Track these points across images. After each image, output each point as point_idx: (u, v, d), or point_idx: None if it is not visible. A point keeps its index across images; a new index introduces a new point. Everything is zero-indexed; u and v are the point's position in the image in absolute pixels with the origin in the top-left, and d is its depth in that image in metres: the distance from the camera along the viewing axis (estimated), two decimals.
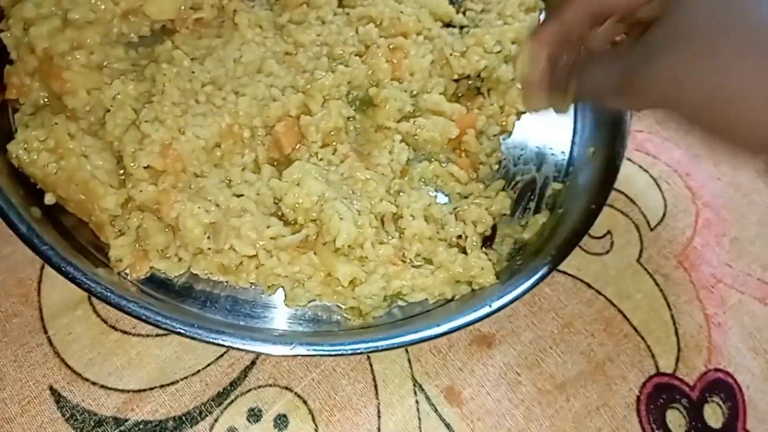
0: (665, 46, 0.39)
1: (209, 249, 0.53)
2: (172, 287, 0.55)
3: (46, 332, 0.53)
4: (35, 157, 0.52)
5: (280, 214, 0.56)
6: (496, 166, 0.65)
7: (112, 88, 0.55)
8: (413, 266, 0.58)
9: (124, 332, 0.54)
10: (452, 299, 0.58)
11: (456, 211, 0.60)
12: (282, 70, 0.60)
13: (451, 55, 0.64)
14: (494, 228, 0.61)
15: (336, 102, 0.59)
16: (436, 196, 0.61)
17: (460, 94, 0.66)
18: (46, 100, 0.57)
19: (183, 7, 0.62)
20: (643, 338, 0.58)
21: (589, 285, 0.60)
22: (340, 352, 0.50)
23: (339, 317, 0.56)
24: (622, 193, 0.64)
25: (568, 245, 0.58)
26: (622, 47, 0.49)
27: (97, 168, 0.53)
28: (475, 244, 0.59)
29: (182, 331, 0.48)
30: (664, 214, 0.64)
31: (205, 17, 0.62)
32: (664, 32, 0.40)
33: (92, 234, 0.55)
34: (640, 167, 0.66)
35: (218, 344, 0.49)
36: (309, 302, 0.56)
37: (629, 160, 0.66)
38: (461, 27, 0.67)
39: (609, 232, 0.63)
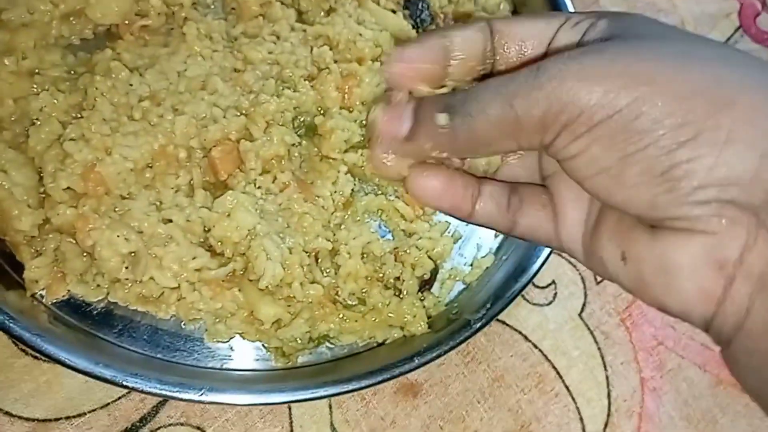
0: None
1: (127, 279, 0.51)
2: (89, 313, 0.53)
3: None
4: None
5: (208, 244, 0.54)
6: None
7: (39, 99, 0.53)
8: (345, 306, 0.56)
9: (35, 357, 0.52)
10: (383, 343, 0.56)
11: (396, 251, 0.58)
12: (227, 88, 0.57)
13: None
14: (434, 271, 0.59)
15: (280, 128, 0.57)
16: (377, 234, 0.58)
17: None
18: None
19: (129, 13, 0.58)
20: (573, 399, 0.56)
21: (526, 337, 0.58)
22: (254, 402, 0.48)
23: (262, 354, 0.55)
24: None
25: (508, 296, 0.56)
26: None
27: (16, 185, 0.50)
28: (411, 288, 0.57)
29: (84, 370, 0.46)
30: None
31: (151, 24, 0.59)
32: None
33: (9, 249, 0.53)
34: None
35: (122, 386, 0.47)
36: (230, 339, 0.54)
37: None
38: None
39: (554, 282, 0.61)
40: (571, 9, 0.66)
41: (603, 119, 0.28)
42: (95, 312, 0.53)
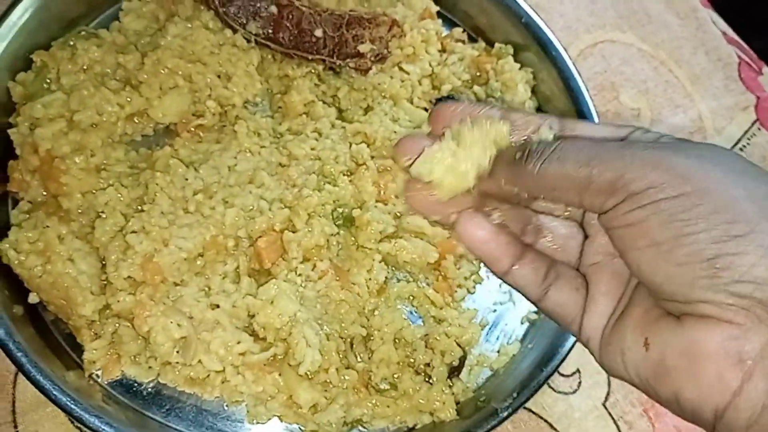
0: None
1: (177, 362, 0.55)
2: (139, 392, 0.57)
3: (15, 426, 0.55)
4: (24, 258, 0.55)
5: (251, 329, 0.58)
6: (474, 290, 0.66)
7: (105, 194, 0.58)
8: (377, 390, 0.59)
9: None
10: (413, 428, 0.59)
11: (427, 337, 0.61)
12: (273, 182, 0.62)
13: None
14: (463, 357, 0.62)
15: (320, 220, 0.61)
16: (409, 320, 0.62)
17: None
18: (44, 196, 0.59)
19: (186, 113, 0.64)
20: None
21: (551, 425, 0.60)
22: None
23: None
24: None
25: (535, 384, 0.58)
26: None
27: (81, 273, 0.55)
28: (440, 374, 0.60)
29: None
30: None
31: (206, 123, 0.65)
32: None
33: (70, 330, 0.57)
34: None
35: None
36: (269, 420, 0.57)
37: None
38: None
39: (578, 370, 0.63)
40: (591, 106, 0.70)
41: (667, 197, 0.32)
42: (145, 392, 0.57)
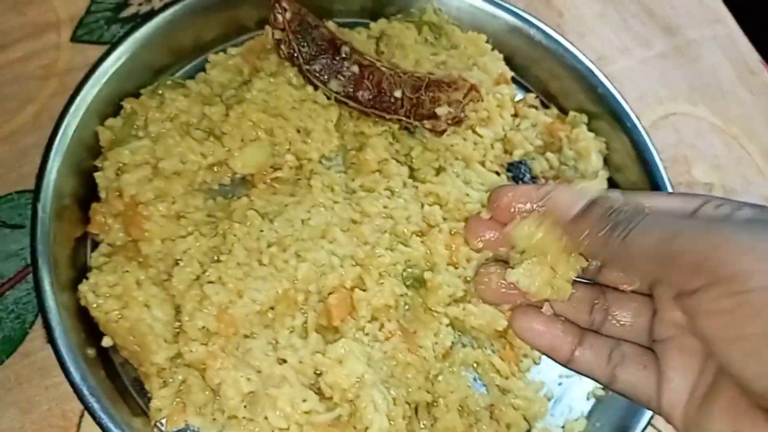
0: None
1: (244, 417, 0.55)
2: None
3: None
4: (102, 302, 0.55)
5: (317, 387, 0.57)
6: (539, 361, 0.64)
7: (186, 241, 0.59)
8: None
9: None
10: None
11: (491, 408, 0.60)
12: (345, 238, 0.63)
13: None
14: (528, 430, 0.60)
15: (391, 280, 0.61)
16: (473, 389, 0.61)
17: None
18: (123, 240, 0.60)
19: (264, 165, 0.65)
20: None
21: None
22: None
23: None
24: None
25: None
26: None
27: (156, 320, 0.56)
28: None
29: None
30: None
31: (283, 176, 0.66)
32: None
33: (137, 375, 0.58)
34: None
35: None
36: None
37: None
38: None
39: None
40: (665, 178, 0.69)
41: (760, 287, 0.29)
42: None
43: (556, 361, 0.41)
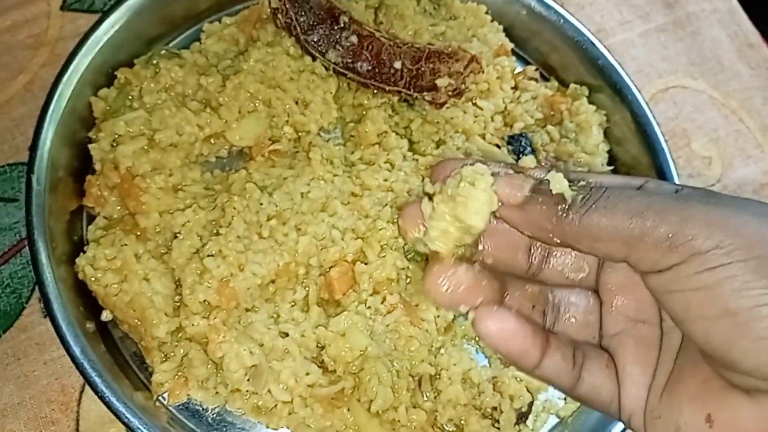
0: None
1: (247, 390, 0.54)
2: (204, 418, 0.56)
3: None
4: (100, 275, 0.54)
5: (320, 360, 0.57)
6: None
7: (184, 214, 0.58)
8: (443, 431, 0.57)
9: None
10: None
11: (494, 380, 0.60)
12: (345, 211, 0.62)
13: None
14: (530, 403, 0.60)
15: (393, 253, 0.61)
16: (476, 362, 0.61)
17: None
18: (120, 213, 0.59)
19: (262, 137, 0.64)
20: None
21: None
22: None
23: None
24: None
25: None
26: None
27: (156, 293, 0.55)
28: (508, 419, 0.58)
29: None
30: None
31: (281, 148, 0.65)
32: None
33: (138, 350, 0.57)
34: None
35: None
36: None
37: None
38: None
39: None
40: (666, 150, 0.69)
41: (739, 261, 0.28)
42: (210, 418, 0.56)
43: (520, 369, 0.37)
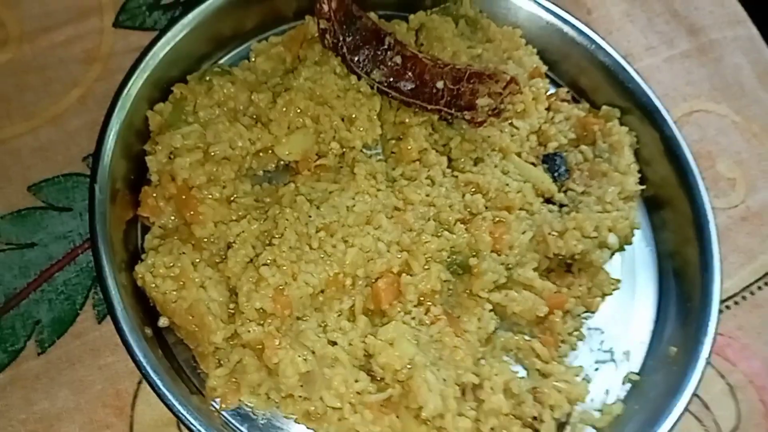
0: None
1: (300, 396, 0.56)
2: (255, 423, 0.58)
3: None
4: (159, 282, 0.56)
5: (368, 369, 0.59)
6: (576, 347, 0.66)
7: (238, 225, 0.60)
8: None
9: None
10: None
11: (534, 391, 0.61)
12: (390, 225, 0.64)
13: (549, 234, 0.66)
14: (568, 414, 0.62)
15: (437, 265, 0.63)
16: (517, 372, 0.62)
17: (550, 269, 0.69)
18: (174, 223, 0.61)
19: (309, 152, 0.67)
20: None
21: None
22: None
23: None
24: (698, 396, 0.65)
25: None
26: None
27: (213, 301, 0.57)
28: (549, 429, 0.60)
29: None
30: (736, 426, 0.64)
31: (327, 163, 0.67)
32: None
33: (190, 356, 0.59)
34: (718, 372, 0.67)
35: None
36: None
37: (708, 363, 0.67)
38: (561, 205, 0.71)
39: None
40: (695, 170, 0.71)
41: None
42: (260, 424, 0.57)
43: None
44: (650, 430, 0.59)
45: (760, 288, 0.71)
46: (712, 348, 0.62)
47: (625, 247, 0.72)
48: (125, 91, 0.62)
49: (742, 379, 0.67)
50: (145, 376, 0.53)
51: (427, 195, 0.66)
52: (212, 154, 0.62)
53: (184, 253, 0.58)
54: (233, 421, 0.57)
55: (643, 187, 0.73)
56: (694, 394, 0.63)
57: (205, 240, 0.60)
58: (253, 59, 0.70)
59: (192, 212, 0.59)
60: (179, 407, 0.52)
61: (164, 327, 0.58)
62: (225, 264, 0.58)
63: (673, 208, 0.73)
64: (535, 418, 0.61)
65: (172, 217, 0.61)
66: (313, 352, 0.57)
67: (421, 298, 0.62)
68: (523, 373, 0.64)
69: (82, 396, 0.57)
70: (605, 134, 0.74)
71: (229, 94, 0.66)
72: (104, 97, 0.64)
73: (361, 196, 0.65)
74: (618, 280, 0.69)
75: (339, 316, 0.61)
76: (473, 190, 0.68)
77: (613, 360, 0.67)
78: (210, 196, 0.60)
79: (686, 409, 0.59)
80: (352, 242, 0.62)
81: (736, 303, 0.71)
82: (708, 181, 0.78)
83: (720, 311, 0.65)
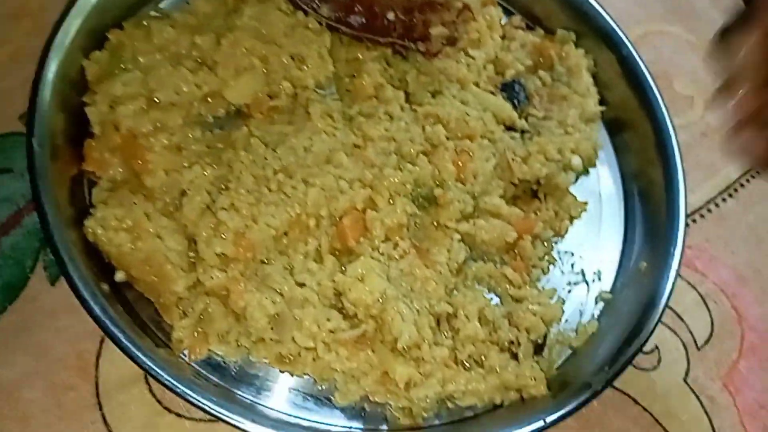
0: None
1: (271, 339, 0.54)
2: (227, 371, 0.56)
3: (101, 408, 0.54)
4: (112, 235, 0.53)
5: (339, 307, 0.57)
6: (548, 270, 0.66)
7: (191, 171, 0.57)
8: (465, 369, 0.58)
9: (178, 415, 0.54)
10: (501, 405, 0.58)
11: (510, 315, 0.61)
12: (350, 162, 0.62)
13: (513, 160, 0.65)
14: (544, 336, 0.62)
15: (401, 199, 0.61)
16: (491, 299, 0.62)
17: (517, 196, 0.68)
18: (123, 176, 0.58)
19: (260, 94, 0.64)
20: None
21: (636, 401, 0.60)
22: None
23: (387, 414, 0.57)
24: (671, 308, 0.65)
25: (622, 362, 0.58)
26: None
27: (170, 250, 0.54)
28: (527, 351, 0.60)
29: (234, 422, 0.49)
30: (711, 334, 0.65)
31: (279, 104, 0.65)
32: None
33: (153, 311, 0.56)
34: (689, 283, 0.67)
35: None
36: (360, 397, 0.56)
37: (678, 275, 0.67)
38: (522, 131, 0.70)
39: (657, 347, 0.64)
40: (655, 89, 0.71)
41: None
42: (232, 371, 0.56)
43: None
44: (626, 344, 0.59)
45: (724, 200, 0.72)
46: (681, 260, 0.62)
47: (590, 170, 0.71)
48: (56, 42, 0.58)
49: (713, 288, 0.67)
50: (106, 332, 0.50)
51: (387, 130, 0.65)
52: (156, 100, 0.59)
53: (135, 203, 0.55)
54: (204, 372, 0.55)
55: (604, 108, 0.72)
56: (667, 306, 0.64)
57: (157, 189, 0.57)
58: (192, 2, 0.67)
59: (140, 162, 0.57)
60: (146, 360, 0.50)
61: (122, 282, 0.55)
62: (180, 212, 0.56)
63: (634, 129, 0.73)
64: (512, 342, 0.60)
65: (120, 169, 0.58)
66: (282, 295, 0.55)
67: (388, 233, 0.61)
68: (497, 300, 0.63)
69: (41, 360, 0.55)
70: (562, 58, 0.73)
71: (169, 38, 0.62)
72: (37, 53, 0.60)
73: (318, 136, 0.63)
74: (585, 203, 0.69)
75: (306, 257, 0.59)
76: (433, 122, 0.66)
77: (585, 281, 0.66)
78: (158, 144, 0.57)
79: (660, 321, 0.60)
80: (313, 182, 0.60)
81: (701, 216, 0.71)
82: (666, 101, 0.78)
83: (687, 225, 0.66)
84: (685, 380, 0.62)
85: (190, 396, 0.49)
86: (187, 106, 0.61)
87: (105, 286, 0.54)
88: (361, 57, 0.68)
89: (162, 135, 0.58)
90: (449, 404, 0.58)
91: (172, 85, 0.60)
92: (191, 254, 0.56)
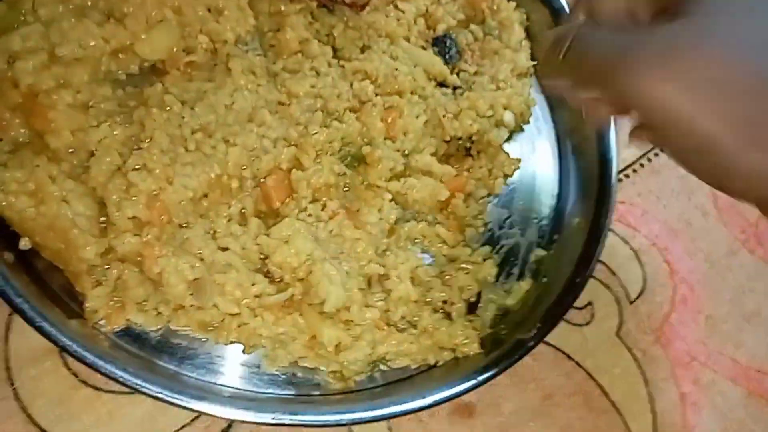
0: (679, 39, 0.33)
1: (191, 306, 0.51)
2: (147, 341, 0.53)
3: (12, 384, 0.50)
4: (13, 200, 0.50)
5: (265, 270, 0.55)
6: (482, 229, 0.65)
7: (98, 131, 0.53)
8: (397, 330, 0.57)
9: (95, 388, 0.51)
10: (435, 365, 0.57)
11: (442, 275, 0.60)
12: (275, 120, 0.59)
13: (444, 116, 0.64)
14: (478, 294, 0.61)
15: (328, 158, 0.59)
16: (422, 259, 0.60)
17: (449, 155, 0.66)
18: (26, 137, 0.54)
19: (175, 49, 0.60)
20: (621, 414, 0.58)
21: (569, 356, 0.60)
22: (323, 423, 0.49)
23: (318, 379, 0.55)
24: (604, 263, 0.65)
25: (554, 317, 0.58)
26: (633, 25, 0.40)
27: (78, 215, 0.51)
28: (460, 311, 0.59)
29: (153, 393, 0.47)
30: (643, 288, 0.65)
31: (197, 60, 0.61)
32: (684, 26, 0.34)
33: (66, 280, 0.53)
34: (622, 239, 0.67)
35: (192, 410, 0.47)
36: (289, 363, 0.54)
37: (611, 230, 0.67)
38: (454, 87, 0.68)
39: (590, 303, 0.64)
40: None
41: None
42: (154, 341, 0.53)
43: None
44: (559, 300, 0.59)
45: (656, 154, 0.72)
46: (612, 216, 0.62)
47: (524, 128, 0.70)
48: None
49: (645, 242, 0.67)
50: (10, 303, 0.47)
51: (313, 86, 0.62)
52: (59, 55, 0.55)
53: (38, 165, 0.51)
54: (123, 343, 0.52)
55: (536, 62, 0.71)
56: (600, 261, 0.64)
57: (63, 150, 0.53)
58: None
59: (42, 120, 0.52)
60: (55, 333, 0.47)
61: (28, 250, 0.51)
62: (88, 174, 0.52)
63: None
64: (445, 302, 0.59)
65: (22, 129, 0.54)
66: (202, 259, 0.52)
67: (316, 194, 0.58)
68: (431, 260, 0.62)
69: None
70: (494, 12, 0.71)
71: None
72: None
73: (239, 93, 0.59)
74: (518, 160, 0.68)
75: (229, 221, 0.56)
76: (361, 77, 0.63)
77: (518, 239, 0.66)
78: (62, 101, 0.53)
79: (592, 276, 0.59)
80: (234, 141, 0.56)
81: (634, 171, 0.71)
82: None
83: (620, 180, 0.65)
84: (617, 334, 0.62)
85: (104, 368, 0.46)
86: (94, 62, 0.57)
87: (9, 255, 0.50)
88: (284, 10, 0.64)
89: (66, 92, 0.54)
90: (382, 366, 0.56)
91: (75, 39, 0.55)
92: (102, 219, 0.52)
